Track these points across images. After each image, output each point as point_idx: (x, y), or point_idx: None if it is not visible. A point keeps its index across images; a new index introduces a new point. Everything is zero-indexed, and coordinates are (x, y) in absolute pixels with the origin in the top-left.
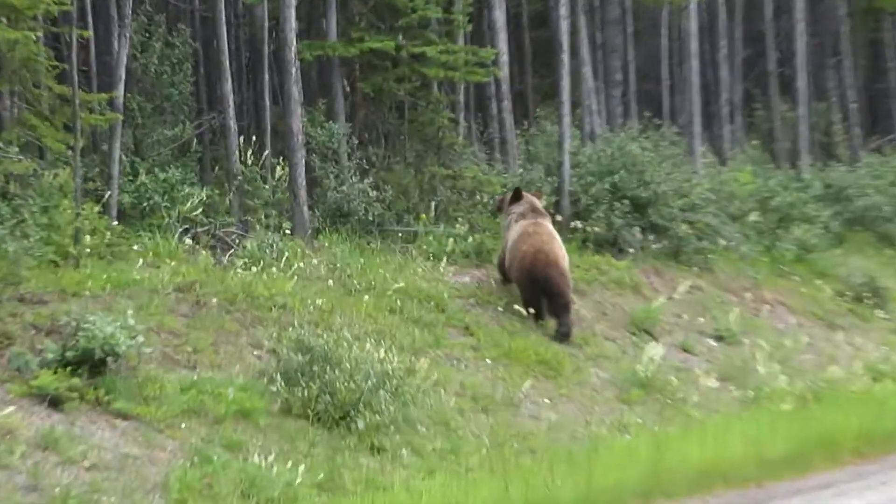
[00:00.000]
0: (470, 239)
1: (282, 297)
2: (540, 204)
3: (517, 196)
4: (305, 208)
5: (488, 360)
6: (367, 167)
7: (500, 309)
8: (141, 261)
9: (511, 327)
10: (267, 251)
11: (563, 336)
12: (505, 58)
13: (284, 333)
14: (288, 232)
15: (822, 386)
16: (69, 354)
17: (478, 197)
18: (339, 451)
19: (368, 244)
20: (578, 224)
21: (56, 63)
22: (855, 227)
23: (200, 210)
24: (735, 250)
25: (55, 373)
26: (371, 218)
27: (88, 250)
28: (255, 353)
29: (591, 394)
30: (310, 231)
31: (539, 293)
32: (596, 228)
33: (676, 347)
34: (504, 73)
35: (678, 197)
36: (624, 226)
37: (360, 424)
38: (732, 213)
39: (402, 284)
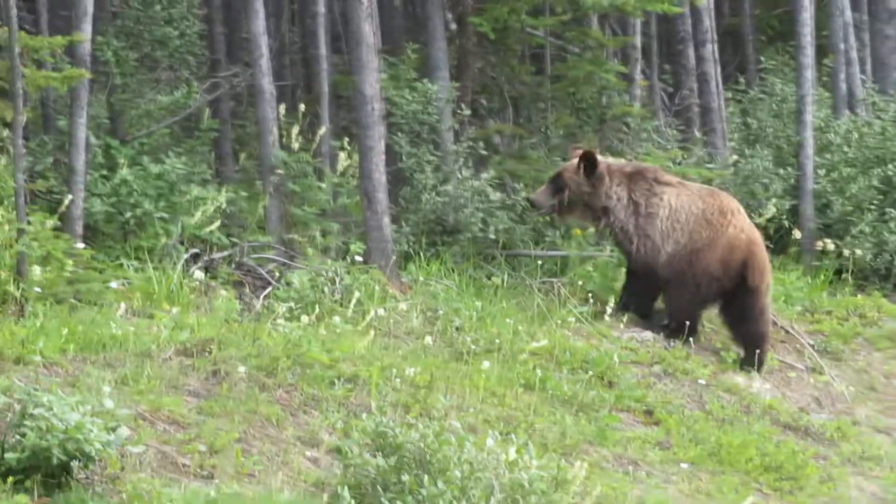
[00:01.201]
0: None
1: (350, 365)
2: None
3: (591, 161)
4: (386, 221)
5: (684, 465)
6: (484, 153)
7: (702, 382)
8: (123, 306)
9: (721, 411)
10: (325, 290)
11: (756, 363)
12: None
13: (355, 422)
14: (359, 259)
15: None
16: (10, 457)
17: None
18: None
19: (489, 278)
20: (828, 244)
21: None
22: None
23: (218, 224)
24: None
25: None
26: (493, 236)
27: (38, 290)
28: (309, 453)
29: None
30: (394, 258)
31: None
32: (857, 251)
33: None
34: None
35: None
36: None
37: None
38: None
39: (543, 343)
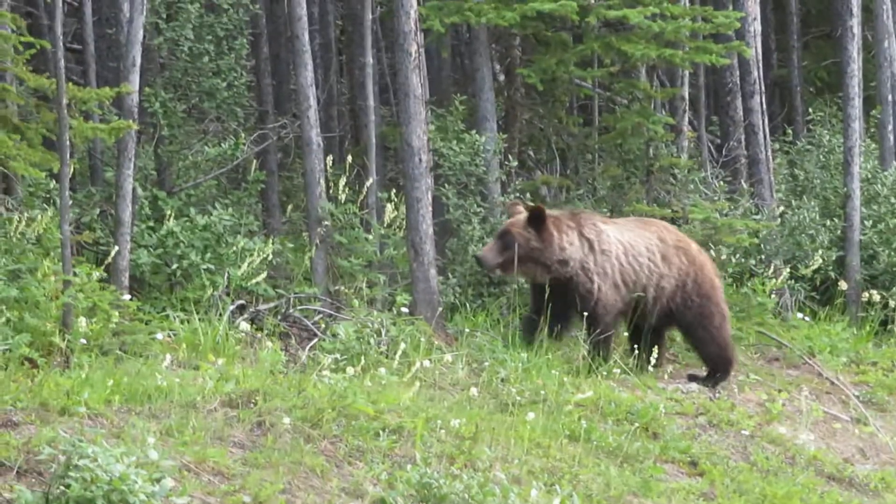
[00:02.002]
0: None
1: (396, 416)
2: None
3: (540, 217)
4: (433, 272)
5: None
6: (531, 205)
7: (746, 432)
8: (168, 358)
9: (765, 463)
10: (371, 341)
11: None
12: (756, 26)
13: (400, 474)
14: (406, 310)
15: None
16: None
17: (712, 252)
18: None
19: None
20: (874, 295)
21: (31, 39)
22: None
23: (264, 276)
24: None
25: None
26: None
27: (84, 341)
28: None
29: None
30: (440, 309)
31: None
32: None
33: None
34: (755, 50)
35: None
36: None
37: None
38: None
39: (588, 394)
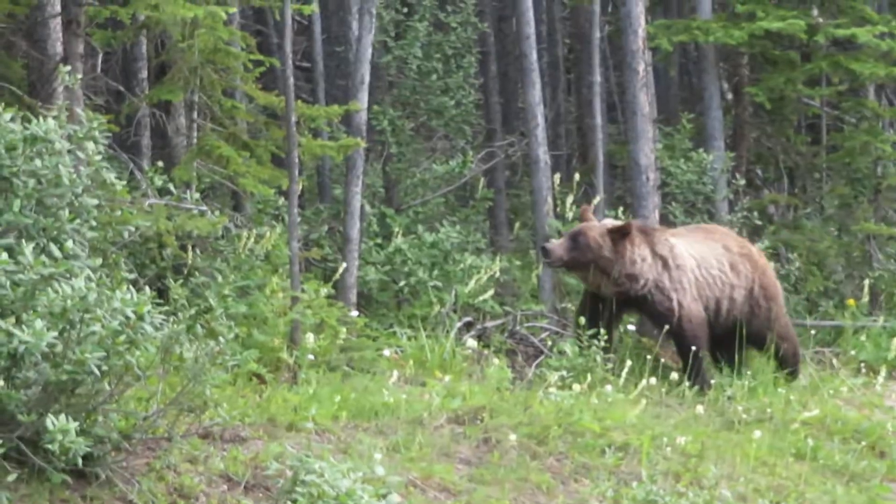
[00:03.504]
0: None
1: (621, 433)
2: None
3: (624, 234)
4: None
5: None
6: (759, 223)
7: None
8: (395, 374)
9: None
10: (597, 359)
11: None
12: None
13: (626, 491)
14: (631, 328)
15: None
16: None
17: None
18: None
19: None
20: None
21: (260, 57)
22: None
23: (491, 293)
24: None
25: None
26: None
27: (312, 357)
28: None
29: None
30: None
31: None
32: None
33: None
34: None
35: None
36: None
37: None
38: None
39: (815, 412)
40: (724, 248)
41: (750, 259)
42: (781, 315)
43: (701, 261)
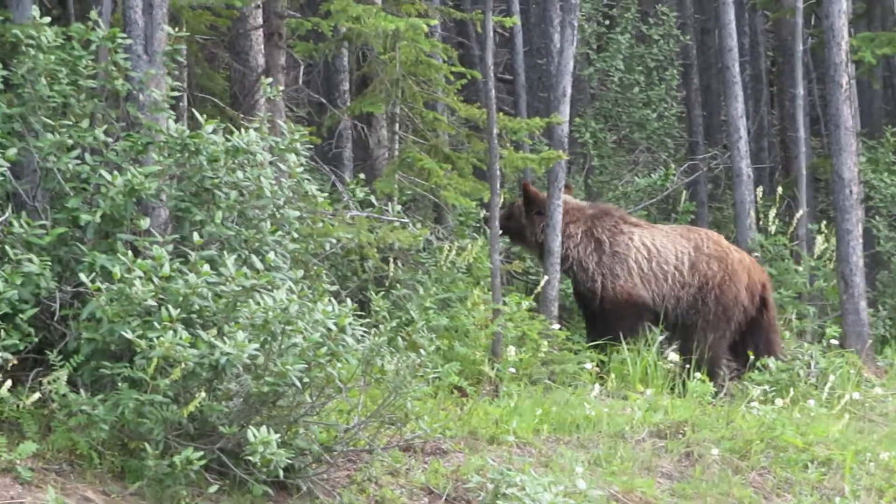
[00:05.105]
0: None
1: (824, 448)
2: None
3: (526, 196)
4: (863, 304)
5: None
6: None
7: None
8: (597, 387)
9: None
10: (800, 373)
11: None
12: None
13: None
14: (835, 342)
15: None
16: None
17: None
18: None
19: None
20: None
21: (462, 70)
22: None
23: None
24: None
25: None
26: None
27: (513, 370)
28: None
29: None
30: (870, 341)
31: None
32: None
33: None
34: None
35: None
36: None
37: None
38: None
39: None
40: (693, 248)
41: (720, 261)
42: (721, 327)
43: (655, 254)
